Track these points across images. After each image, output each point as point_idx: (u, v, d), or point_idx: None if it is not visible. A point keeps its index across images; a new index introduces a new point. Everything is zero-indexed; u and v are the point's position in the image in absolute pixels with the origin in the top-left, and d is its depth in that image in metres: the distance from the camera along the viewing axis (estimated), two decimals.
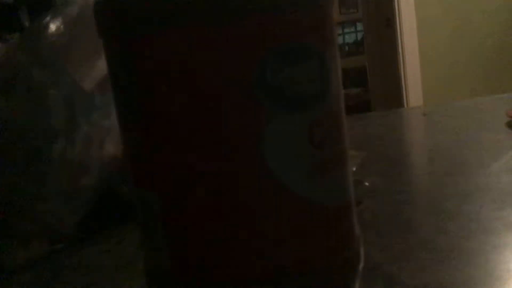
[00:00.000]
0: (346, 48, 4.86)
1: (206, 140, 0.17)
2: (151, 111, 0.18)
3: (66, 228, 0.36)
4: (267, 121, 0.17)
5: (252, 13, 0.17)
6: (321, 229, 0.19)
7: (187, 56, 0.17)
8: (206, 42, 0.17)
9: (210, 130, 0.17)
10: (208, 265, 0.18)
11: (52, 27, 0.37)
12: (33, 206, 0.35)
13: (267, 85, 0.17)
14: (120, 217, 0.41)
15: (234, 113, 0.17)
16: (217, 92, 0.17)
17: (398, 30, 2.54)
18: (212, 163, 0.17)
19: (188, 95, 0.17)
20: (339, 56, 0.20)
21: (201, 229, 0.18)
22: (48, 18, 0.37)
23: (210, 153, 0.17)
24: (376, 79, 2.96)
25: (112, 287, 0.29)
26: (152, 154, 0.18)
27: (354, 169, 0.40)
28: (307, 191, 0.18)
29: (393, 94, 2.69)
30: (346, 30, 4.90)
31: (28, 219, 0.35)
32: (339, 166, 0.20)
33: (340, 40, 4.84)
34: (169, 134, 0.18)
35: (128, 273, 0.31)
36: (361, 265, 0.21)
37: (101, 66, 0.36)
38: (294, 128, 0.18)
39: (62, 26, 0.37)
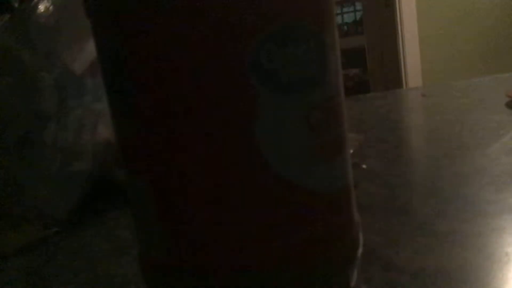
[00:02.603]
0: (345, 28, 4.82)
1: (199, 126, 0.17)
2: (141, 96, 0.17)
3: (59, 213, 0.35)
4: (262, 106, 0.17)
5: None
6: (319, 215, 0.18)
7: (178, 38, 0.16)
8: (198, 23, 0.16)
9: (203, 116, 0.16)
10: (203, 254, 0.18)
11: (41, 8, 0.36)
12: (25, 192, 0.34)
13: (261, 68, 0.16)
14: (115, 202, 0.40)
15: (228, 97, 0.16)
16: (210, 75, 0.16)
17: (397, 10, 2.51)
18: (205, 149, 0.17)
19: (179, 79, 0.16)
20: (338, 37, 0.19)
21: (195, 217, 0.17)
22: (37, 0, 0.36)
23: (203, 140, 0.17)
24: (375, 60, 2.94)
25: (107, 271, 0.29)
26: (144, 139, 0.18)
27: (351, 151, 0.40)
28: (304, 177, 0.18)
29: (392, 74, 2.68)
30: (345, 9, 4.85)
31: (20, 205, 0.35)
32: (337, 150, 0.19)
33: (338, 19, 4.80)
34: (160, 119, 0.17)
35: (123, 257, 0.30)
36: (360, 251, 0.21)
37: (92, 49, 0.35)
38: (291, 112, 0.17)
39: (51, 8, 0.36)
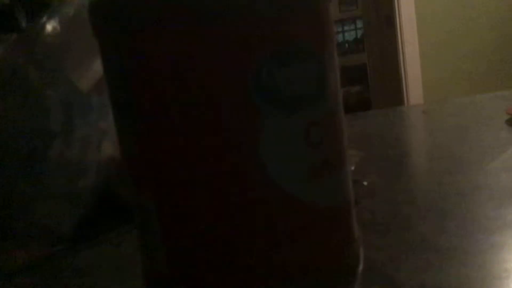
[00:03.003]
0: (346, 45, 4.86)
1: (202, 142, 0.17)
2: (146, 113, 0.18)
3: (64, 230, 0.36)
4: (263, 123, 0.17)
5: (247, 14, 0.16)
6: (319, 230, 0.19)
7: (182, 58, 0.17)
8: (201, 43, 0.16)
9: (206, 133, 0.17)
10: (205, 269, 0.18)
11: (49, 28, 0.37)
12: (31, 208, 0.35)
13: (262, 86, 0.17)
14: (119, 218, 0.41)
15: (230, 115, 0.17)
16: (212, 93, 0.17)
17: (398, 28, 2.53)
18: (208, 166, 0.17)
19: (183, 97, 0.17)
20: (337, 56, 0.20)
21: (199, 233, 0.18)
22: (44, 19, 0.37)
23: (207, 156, 0.17)
24: (376, 77, 2.96)
25: None
26: (148, 157, 0.18)
27: (352, 168, 0.40)
28: (304, 193, 0.18)
29: (394, 91, 2.69)
30: (346, 27, 4.90)
31: (26, 221, 0.35)
32: (337, 167, 0.19)
33: (340, 37, 4.84)
34: (164, 137, 0.17)
35: (126, 275, 0.31)
36: (360, 267, 0.21)
37: (98, 67, 0.36)
38: (291, 129, 0.18)
39: (58, 27, 0.37)
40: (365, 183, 0.39)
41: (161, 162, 0.18)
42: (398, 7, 2.51)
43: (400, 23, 2.53)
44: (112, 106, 0.20)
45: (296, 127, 0.18)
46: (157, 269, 0.19)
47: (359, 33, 4.73)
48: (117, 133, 0.20)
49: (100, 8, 0.18)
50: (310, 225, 0.18)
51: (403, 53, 2.56)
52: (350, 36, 4.93)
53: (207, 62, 0.16)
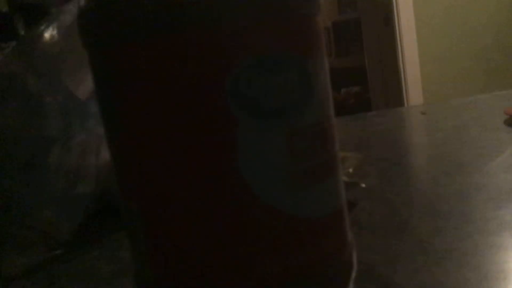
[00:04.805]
0: (345, 46, 4.86)
1: (184, 152, 0.17)
2: (131, 123, 0.18)
3: (63, 235, 0.36)
4: (242, 132, 0.17)
5: (225, 22, 0.16)
6: (306, 240, 0.18)
7: (162, 69, 0.17)
8: (180, 52, 0.16)
9: (187, 142, 0.17)
10: (189, 277, 0.18)
11: (47, 35, 0.37)
12: (30, 214, 0.35)
13: (240, 96, 0.17)
14: (117, 223, 0.41)
15: (210, 124, 0.17)
16: (193, 102, 0.17)
17: (397, 28, 2.54)
18: (189, 175, 0.17)
19: (163, 108, 0.17)
20: (326, 62, 0.20)
21: (181, 242, 0.18)
22: (42, 27, 0.38)
23: (187, 165, 0.17)
24: (375, 78, 2.96)
25: None
26: (133, 165, 0.18)
27: (350, 170, 0.40)
28: (286, 204, 0.18)
29: (393, 92, 2.69)
30: (345, 28, 4.90)
31: (25, 227, 0.35)
32: (325, 175, 0.19)
33: (338, 38, 4.84)
34: (148, 146, 0.17)
35: (125, 279, 0.31)
36: (353, 273, 0.21)
37: None
38: (271, 139, 0.17)
39: (56, 35, 0.37)
40: (363, 185, 0.39)
41: (143, 170, 0.18)
42: (397, 8, 2.51)
43: (399, 24, 2.53)
44: (100, 113, 0.20)
45: (277, 136, 0.17)
46: (145, 275, 0.19)
47: (358, 34, 4.73)
48: (107, 143, 0.20)
49: (89, 21, 0.18)
50: (295, 235, 0.18)
51: (402, 53, 2.56)
52: (349, 37, 4.93)
53: (186, 71, 0.16)
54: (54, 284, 0.32)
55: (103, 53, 0.18)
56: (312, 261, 0.18)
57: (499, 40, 2.61)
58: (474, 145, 0.50)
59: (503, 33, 2.60)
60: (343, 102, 3.93)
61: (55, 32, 0.37)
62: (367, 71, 3.11)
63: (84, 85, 0.36)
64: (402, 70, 2.58)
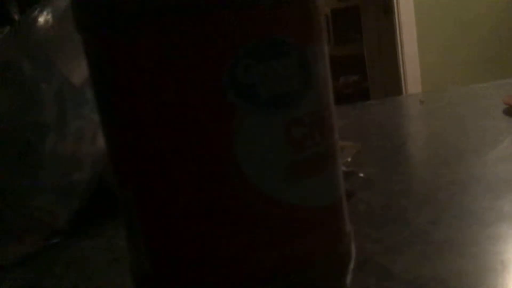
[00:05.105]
0: (344, 34, 4.84)
1: (180, 141, 0.17)
2: (126, 110, 0.17)
3: (59, 223, 0.36)
4: (239, 121, 0.16)
5: (223, 8, 0.16)
6: (304, 230, 0.18)
7: (158, 55, 0.16)
8: (177, 38, 0.16)
9: (183, 130, 0.16)
10: (186, 266, 0.18)
11: (41, 20, 0.36)
12: (25, 202, 0.35)
13: (238, 83, 0.16)
14: (113, 212, 0.41)
15: (206, 112, 0.16)
16: (190, 89, 0.16)
17: (396, 17, 2.52)
18: (185, 164, 0.17)
19: (161, 94, 0.16)
20: (326, 49, 0.19)
21: (177, 230, 0.17)
22: (37, 12, 0.37)
23: (183, 153, 0.17)
24: (374, 67, 2.95)
25: (105, 282, 0.29)
26: (128, 153, 0.18)
27: (349, 159, 0.40)
28: (285, 194, 0.17)
29: (392, 81, 2.69)
30: (344, 16, 4.87)
31: (20, 215, 0.35)
32: (324, 164, 0.19)
33: (337, 27, 4.82)
34: (144, 134, 0.17)
35: (121, 268, 0.31)
36: (352, 263, 0.21)
37: None
38: (270, 127, 0.17)
39: (51, 20, 0.36)
40: (361, 174, 0.38)
41: (139, 158, 0.17)
42: None
43: (398, 12, 2.52)
44: (95, 99, 0.19)
45: (276, 124, 0.17)
46: (141, 266, 0.19)
47: (358, 22, 4.71)
48: (101, 126, 0.20)
49: (83, 4, 0.18)
50: (293, 224, 0.18)
51: (401, 42, 2.55)
52: (348, 25, 4.91)
53: (182, 57, 0.16)
54: (49, 272, 0.32)
55: (97, 38, 0.17)
56: (311, 251, 0.18)
57: (498, 30, 2.60)
58: (473, 134, 0.50)
59: (501, 22, 2.59)
60: (341, 90, 3.92)
61: (49, 16, 0.36)
62: (366, 59, 3.10)
63: (80, 71, 0.35)
64: (401, 59, 2.57)
